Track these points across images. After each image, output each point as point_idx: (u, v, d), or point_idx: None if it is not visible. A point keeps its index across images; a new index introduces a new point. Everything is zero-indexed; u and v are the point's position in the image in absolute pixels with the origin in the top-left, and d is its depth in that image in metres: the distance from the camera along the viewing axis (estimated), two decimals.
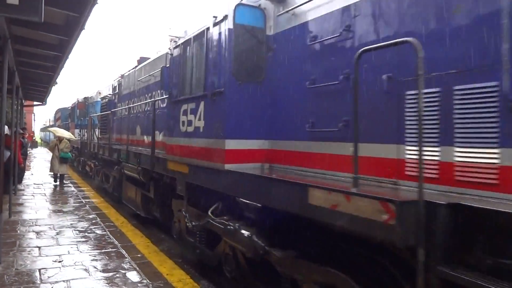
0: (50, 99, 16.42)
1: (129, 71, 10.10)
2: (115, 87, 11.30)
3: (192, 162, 4.96)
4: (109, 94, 12.08)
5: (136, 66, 9.54)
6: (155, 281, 4.66)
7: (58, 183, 12.97)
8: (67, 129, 21.83)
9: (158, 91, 7.40)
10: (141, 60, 9.55)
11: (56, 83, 11.34)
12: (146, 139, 8.07)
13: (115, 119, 10.75)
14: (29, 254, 5.59)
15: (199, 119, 4.77)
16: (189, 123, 5.04)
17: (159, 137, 7.05)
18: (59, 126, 27.01)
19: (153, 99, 7.38)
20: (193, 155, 4.92)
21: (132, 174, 7.95)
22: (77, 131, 18.42)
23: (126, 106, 9.68)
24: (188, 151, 5.08)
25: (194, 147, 4.87)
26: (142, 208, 7.93)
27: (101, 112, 13.05)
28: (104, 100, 12.87)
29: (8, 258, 5.33)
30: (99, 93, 15.10)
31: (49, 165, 13.42)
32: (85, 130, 15.39)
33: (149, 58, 8.95)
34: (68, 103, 28.30)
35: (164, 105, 6.87)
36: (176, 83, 5.61)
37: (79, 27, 5.49)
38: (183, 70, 5.42)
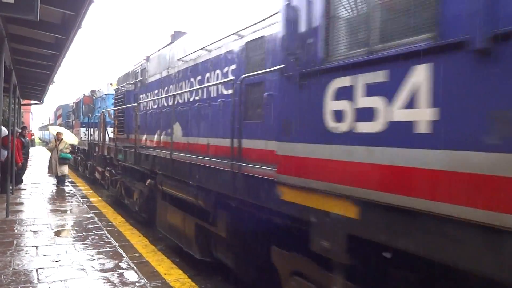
0: (47, 98, 15.82)
1: (159, 50, 7.62)
2: (136, 73, 8.89)
3: (375, 197, 2.35)
4: (127, 84, 9.63)
5: (171, 43, 7.12)
6: (152, 281, 4.65)
7: (59, 184, 12.25)
8: (70, 128, 19.43)
9: (218, 71, 5.07)
10: (176, 35, 7.08)
11: (54, 82, 11.30)
12: (202, 142, 5.39)
13: (138, 115, 7.93)
14: (26, 253, 5.57)
15: (409, 105, 2.19)
16: (361, 114, 2.49)
17: (213, 139, 4.85)
18: (59, 125, 24.57)
19: (232, 79, 4.37)
20: (381, 184, 2.32)
21: (181, 195, 5.50)
22: (83, 130, 15.73)
23: (158, 97, 7.17)
24: (359, 173, 2.48)
25: (392, 167, 2.27)
26: (197, 247, 5.29)
27: (114, 107, 10.83)
28: (118, 92, 10.49)
29: (5, 257, 5.31)
30: (111, 84, 13.16)
31: (48, 164, 12.70)
32: (93, 129, 13.12)
33: (186, 32, 6.87)
34: (65, 102, 26.74)
35: (228, 91, 4.63)
36: (311, 38, 2.93)
37: (75, 25, 5.47)
38: (336, 8, 2.78)
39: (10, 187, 9.25)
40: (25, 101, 16.93)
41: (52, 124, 30.39)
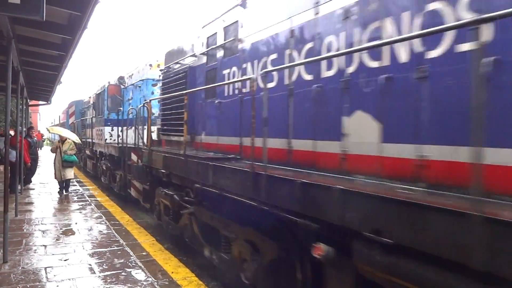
0: (54, 98, 15.26)
1: None
2: (211, 37, 5.75)
3: None
4: (190, 57, 6.45)
5: None
6: (160, 279, 4.67)
7: (63, 191, 10.86)
8: (86, 128, 16.67)
9: None
10: None
11: (61, 82, 11.35)
12: None
13: (267, 98, 3.64)
14: (35, 252, 5.62)
15: None
16: None
17: None
18: (72, 124, 22.15)
19: None
20: None
21: None
22: (107, 129, 11.97)
23: (304, 61, 3.67)
24: None
25: None
26: None
27: (162, 94, 7.60)
28: (170, 73, 7.30)
29: (14, 257, 5.36)
30: (150, 66, 10.26)
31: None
32: (123, 128, 10.34)
33: None
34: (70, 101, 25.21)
35: None
36: None
37: (81, 26, 5.48)
38: None
39: (19, 187, 9.35)
40: (33, 102, 17.04)
41: (63, 124, 27.15)
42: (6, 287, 4.34)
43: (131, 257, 5.48)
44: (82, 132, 18.48)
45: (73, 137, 11.32)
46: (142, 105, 8.40)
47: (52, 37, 6.38)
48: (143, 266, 5.11)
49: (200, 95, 5.98)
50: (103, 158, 12.87)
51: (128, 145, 9.64)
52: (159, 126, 7.94)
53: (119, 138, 10.85)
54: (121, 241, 6.29)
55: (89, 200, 10.06)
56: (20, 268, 4.94)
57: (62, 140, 10.94)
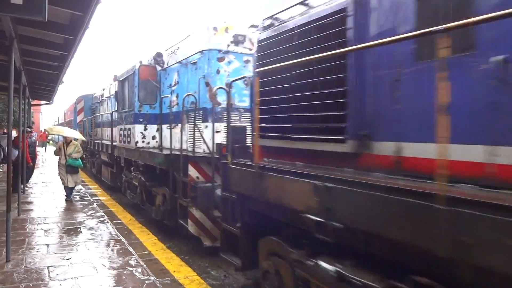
0: (56, 98, 14.83)
1: None
2: None
3: None
4: None
5: None
6: (162, 278, 4.69)
7: (67, 195, 9.88)
8: (99, 127, 13.81)
9: None
10: None
11: (63, 82, 11.37)
12: None
13: None
14: (38, 251, 5.65)
15: None
16: None
17: None
18: (81, 122, 18.82)
19: None
20: None
21: None
22: (139, 128, 8.36)
23: None
24: None
25: None
26: None
27: (261, 65, 3.89)
28: (280, 27, 3.81)
29: (17, 255, 5.39)
30: (215, 29, 6.36)
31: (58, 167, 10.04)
32: (171, 127, 7.06)
33: None
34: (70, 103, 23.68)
35: None
36: None
37: (83, 26, 5.49)
38: None
39: (22, 187, 9.39)
40: (35, 101, 17.07)
41: (69, 122, 24.07)
42: (9, 286, 4.37)
43: (133, 256, 5.50)
44: (92, 132, 15.02)
45: (76, 135, 10.38)
46: (230, 84, 4.59)
47: (54, 37, 6.40)
48: (145, 265, 5.12)
49: (387, 58, 2.77)
50: (132, 168, 9.27)
51: (183, 153, 6.32)
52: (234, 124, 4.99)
53: (155, 141, 8.15)
54: (123, 240, 6.32)
55: (92, 200, 10.09)
56: (23, 267, 4.97)
57: (67, 142, 9.86)
